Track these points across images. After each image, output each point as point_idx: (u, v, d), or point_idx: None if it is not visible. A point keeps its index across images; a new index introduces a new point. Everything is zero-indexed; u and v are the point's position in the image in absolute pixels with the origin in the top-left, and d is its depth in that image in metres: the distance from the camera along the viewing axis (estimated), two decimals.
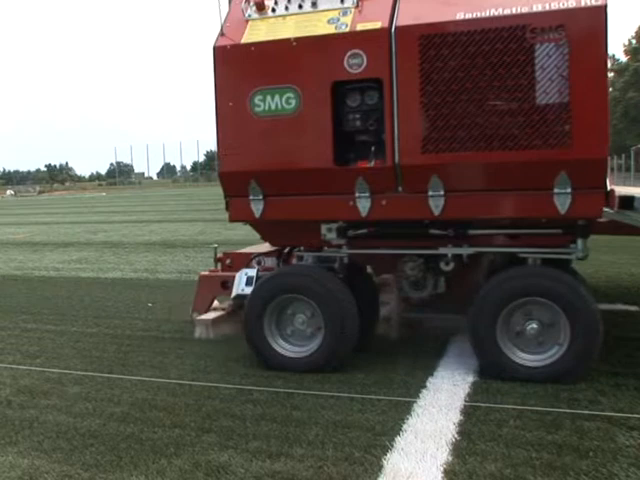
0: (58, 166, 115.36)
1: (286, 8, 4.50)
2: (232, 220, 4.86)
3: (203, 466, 3.24)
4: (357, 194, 4.37)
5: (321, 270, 4.72)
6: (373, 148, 4.33)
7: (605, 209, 4.03)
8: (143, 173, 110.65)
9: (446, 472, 3.08)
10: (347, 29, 4.25)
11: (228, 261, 5.88)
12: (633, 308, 6.24)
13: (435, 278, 4.73)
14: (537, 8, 3.87)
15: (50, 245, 15.10)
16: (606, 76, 3.90)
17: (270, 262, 5.50)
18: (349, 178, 4.36)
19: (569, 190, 3.95)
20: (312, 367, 4.55)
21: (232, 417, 3.85)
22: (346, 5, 4.35)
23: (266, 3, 4.55)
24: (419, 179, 4.20)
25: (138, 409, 4.05)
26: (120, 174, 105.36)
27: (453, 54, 3.98)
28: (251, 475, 3.13)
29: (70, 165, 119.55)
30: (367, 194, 4.36)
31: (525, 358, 4.24)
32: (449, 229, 4.47)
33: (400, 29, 4.10)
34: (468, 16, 3.98)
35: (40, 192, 78.43)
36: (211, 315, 5.76)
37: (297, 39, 4.34)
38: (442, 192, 4.18)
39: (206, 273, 6.00)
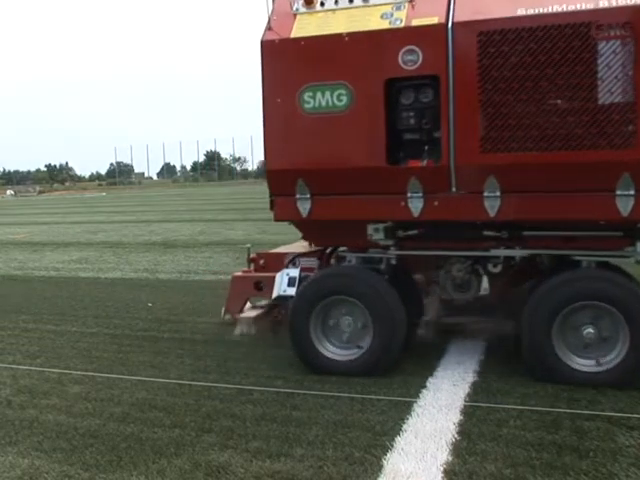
0: (58, 166, 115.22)
1: (336, 2, 4.38)
2: (277, 219, 4.71)
3: (203, 466, 3.24)
4: (409, 194, 4.24)
5: (368, 271, 4.60)
6: (426, 147, 4.23)
7: None
8: (143, 173, 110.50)
9: (446, 472, 3.08)
10: (402, 24, 4.14)
11: (262, 261, 5.73)
12: None
13: (478, 280, 4.62)
14: (603, 4, 3.75)
15: (50, 245, 15.09)
16: None
17: (307, 262, 5.31)
18: (402, 177, 4.24)
19: (632, 192, 3.82)
20: (360, 371, 4.44)
21: (232, 417, 3.85)
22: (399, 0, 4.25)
23: None
24: (475, 179, 4.10)
25: (138, 409, 4.06)
26: (120, 174, 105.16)
27: (513, 51, 3.86)
28: (251, 475, 3.14)
29: (70, 165, 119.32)
30: (420, 194, 4.22)
31: (581, 363, 4.13)
32: (503, 231, 4.34)
33: (458, 25, 3.98)
34: (530, 12, 3.87)
35: (40, 192, 78.28)
36: (253, 313, 5.65)
37: (349, 34, 4.21)
38: (498, 193, 4.06)
39: (239, 274, 5.85)
